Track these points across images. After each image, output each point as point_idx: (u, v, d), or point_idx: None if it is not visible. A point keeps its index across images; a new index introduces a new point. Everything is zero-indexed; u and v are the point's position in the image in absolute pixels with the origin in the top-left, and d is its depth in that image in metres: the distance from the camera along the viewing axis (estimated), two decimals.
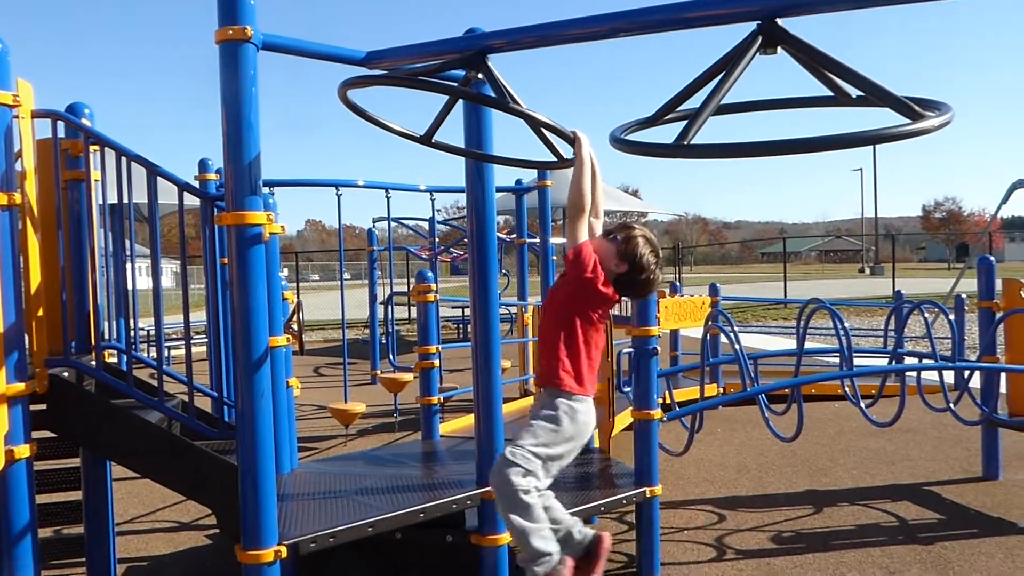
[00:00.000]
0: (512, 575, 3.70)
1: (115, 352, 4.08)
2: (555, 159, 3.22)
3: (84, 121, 3.68)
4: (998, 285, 6.08)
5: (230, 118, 2.96)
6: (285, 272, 26.81)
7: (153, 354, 3.46)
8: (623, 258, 2.91)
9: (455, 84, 3.09)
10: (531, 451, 2.76)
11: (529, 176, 9.79)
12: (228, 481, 3.15)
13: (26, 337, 3.27)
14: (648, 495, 4.27)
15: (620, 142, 2.12)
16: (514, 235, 9.49)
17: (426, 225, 12.54)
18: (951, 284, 13.81)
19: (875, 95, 2.01)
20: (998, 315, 5.92)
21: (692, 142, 1.90)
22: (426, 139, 3.19)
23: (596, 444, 5.28)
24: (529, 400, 7.75)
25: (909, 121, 1.86)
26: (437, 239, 11.70)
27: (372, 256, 12.24)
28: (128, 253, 4.14)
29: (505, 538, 3.62)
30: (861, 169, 74.46)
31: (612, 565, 4.51)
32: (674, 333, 9.72)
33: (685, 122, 1.97)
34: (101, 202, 3.94)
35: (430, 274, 5.43)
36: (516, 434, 2.86)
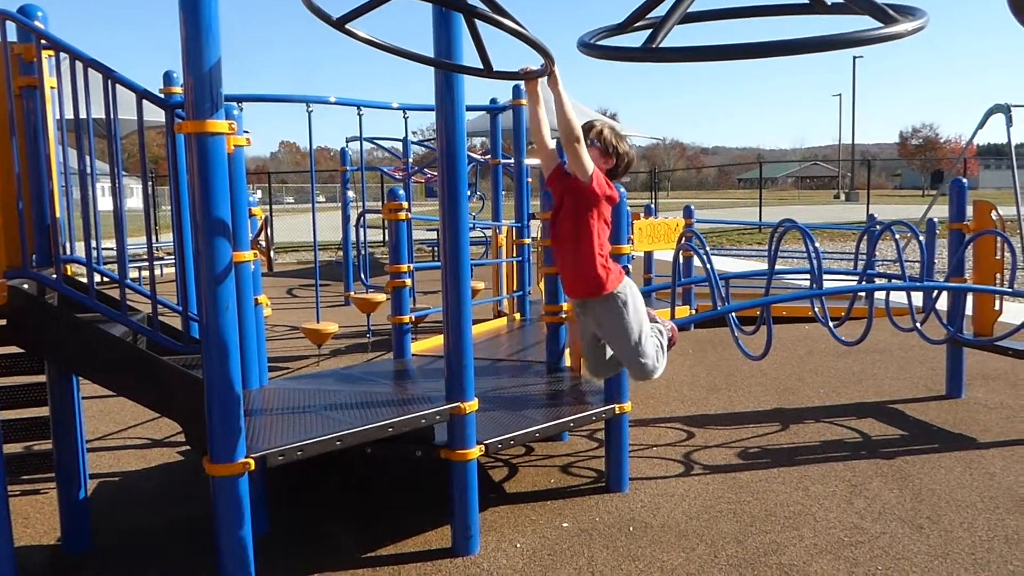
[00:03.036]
0: (482, 489, 3.75)
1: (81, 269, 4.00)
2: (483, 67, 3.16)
3: (37, 24, 3.52)
4: (969, 212, 6.11)
5: (188, 21, 2.85)
6: (259, 194, 26.46)
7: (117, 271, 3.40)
8: (607, 155, 3.36)
9: None
10: (646, 340, 3.39)
11: (504, 95, 9.63)
12: (195, 395, 3.13)
13: None
14: (617, 411, 4.32)
15: (589, 47, 2.04)
16: (488, 156, 9.37)
17: (400, 146, 12.33)
18: (924, 210, 13.89)
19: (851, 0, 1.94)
20: (968, 236, 5.96)
21: (660, 46, 1.83)
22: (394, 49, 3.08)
23: (567, 363, 5.31)
24: (502, 322, 7.78)
25: (882, 25, 1.81)
26: (411, 160, 11.53)
27: (345, 176, 12.08)
28: (88, 168, 4.02)
29: (474, 452, 3.65)
30: (840, 95, 74.26)
31: (581, 480, 4.60)
32: (648, 255, 9.75)
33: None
34: (59, 116, 3.80)
35: (401, 192, 5.36)
36: (622, 338, 3.37)
